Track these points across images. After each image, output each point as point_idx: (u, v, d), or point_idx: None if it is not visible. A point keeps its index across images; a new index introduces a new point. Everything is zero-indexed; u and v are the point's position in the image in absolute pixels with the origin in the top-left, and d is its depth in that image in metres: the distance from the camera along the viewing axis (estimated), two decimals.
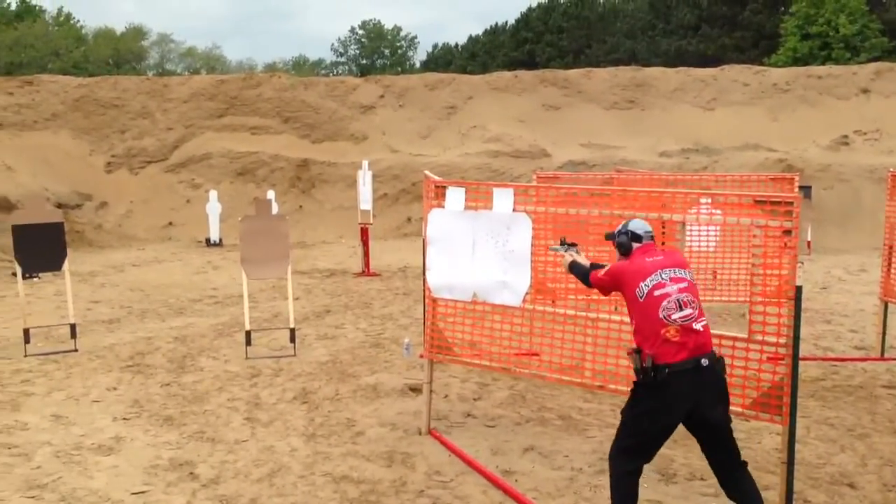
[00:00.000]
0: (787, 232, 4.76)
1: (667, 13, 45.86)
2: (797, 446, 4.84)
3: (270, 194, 18.90)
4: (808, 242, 17.25)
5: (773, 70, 25.86)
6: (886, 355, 8.38)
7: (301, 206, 21.75)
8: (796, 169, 18.87)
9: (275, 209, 13.09)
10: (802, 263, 4.58)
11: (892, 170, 8.43)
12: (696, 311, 4.24)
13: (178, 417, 6.54)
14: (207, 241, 19.41)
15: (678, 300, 4.21)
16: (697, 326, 4.19)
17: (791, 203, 4.68)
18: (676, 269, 4.35)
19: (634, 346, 4.30)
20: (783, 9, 40.96)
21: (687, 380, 4.08)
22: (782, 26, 39.19)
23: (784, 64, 33.56)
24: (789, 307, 4.58)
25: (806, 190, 17.50)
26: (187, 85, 24.97)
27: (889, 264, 8.32)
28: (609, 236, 4.78)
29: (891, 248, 8.26)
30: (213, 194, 19.72)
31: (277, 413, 6.64)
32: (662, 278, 4.28)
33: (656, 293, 4.23)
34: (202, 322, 10.36)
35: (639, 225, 4.66)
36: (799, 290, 4.56)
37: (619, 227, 4.71)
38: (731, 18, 43.15)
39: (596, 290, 4.91)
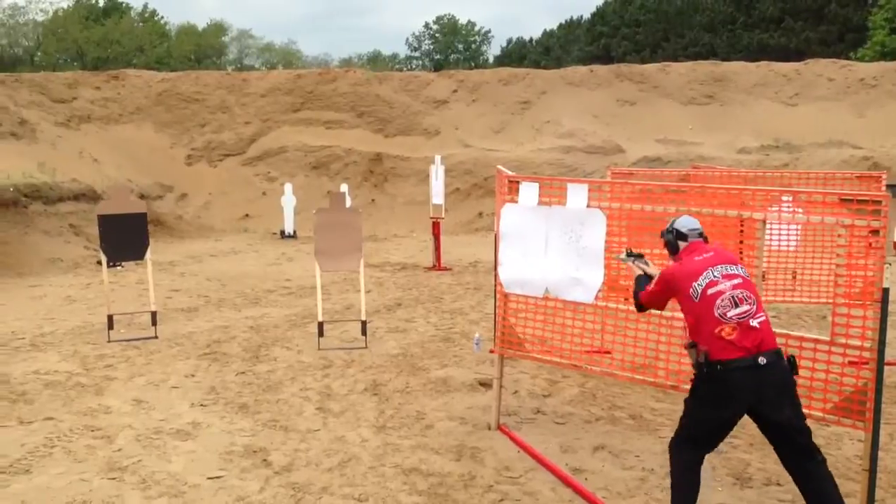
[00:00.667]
0: (875, 232, 4.59)
1: (749, 6, 44.69)
2: (880, 454, 4.67)
3: (344, 188, 19.14)
4: (895, 243, 16.58)
5: (860, 65, 24.94)
6: None
7: (373, 200, 21.96)
8: (883, 167, 18.14)
9: (348, 203, 13.25)
10: (890, 265, 4.41)
11: None
12: (754, 307, 4.13)
13: (253, 405, 6.69)
14: (282, 233, 19.77)
15: (733, 297, 4.14)
16: (755, 323, 4.08)
17: (879, 202, 4.52)
18: (728, 266, 4.27)
19: (690, 340, 4.24)
20: (871, 1, 39.43)
21: (744, 377, 4.00)
22: (870, 19, 37.77)
23: (871, 58, 32.32)
24: (875, 309, 4.42)
25: (893, 189, 16.82)
26: (265, 80, 25.47)
27: None
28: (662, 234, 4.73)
29: None
30: (288, 187, 20.07)
31: (349, 404, 6.73)
32: (714, 276, 4.21)
33: (709, 292, 4.16)
34: (276, 312, 10.57)
35: (685, 222, 4.62)
36: (886, 291, 4.38)
37: (668, 225, 4.65)
38: (816, 11, 41.79)
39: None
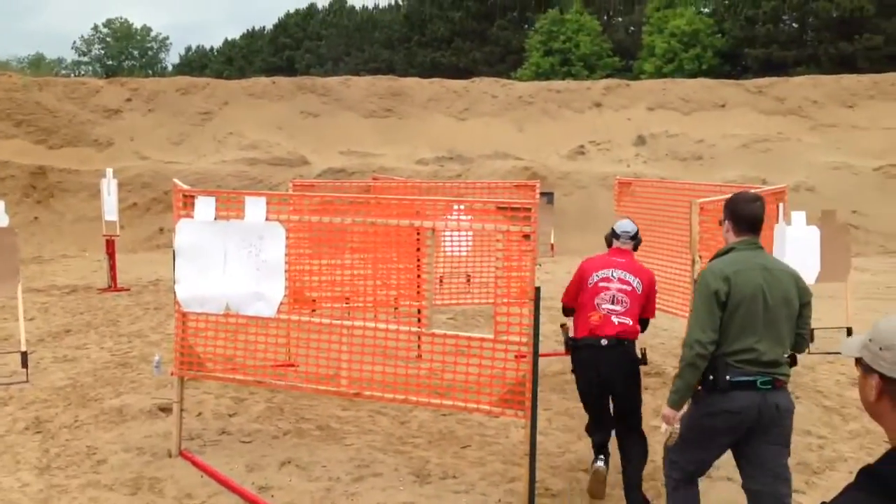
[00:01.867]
0: (526, 236, 5.07)
1: (422, 26, 47.35)
2: (539, 438, 5.15)
3: None
4: (552, 245, 18.48)
5: (519, 83, 27.52)
6: None
7: (37, 218, 19.91)
8: (540, 176, 20.17)
9: (4, 221, 11.87)
10: (541, 265, 4.90)
11: (618, 177, 9.27)
12: (624, 311, 5.04)
13: None
14: None
15: (613, 296, 5.07)
16: (616, 320, 5.01)
17: (529, 209, 4.98)
18: (629, 275, 5.15)
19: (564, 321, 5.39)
20: (527, 26, 43.78)
21: (588, 353, 5.03)
22: (527, 42, 41.91)
23: (528, 78, 35.85)
24: (530, 307, 4.86)
25: (549, 196, 18.68)
26: None
27: None
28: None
29: None
30: None
31: (6, 446, 6.01)
32: (612, 276, 5.14)
33: (600, 284, 5.13)
34: None
35: (622, 225, 5.48)
36: (538, 290, 4.85)
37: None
38: (480, 33, 45.41)
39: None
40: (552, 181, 20.59)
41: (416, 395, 5.43)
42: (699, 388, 3.94)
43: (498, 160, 22.34)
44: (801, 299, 4.01)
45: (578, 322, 5.18)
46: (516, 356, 5.07)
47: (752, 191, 4.58)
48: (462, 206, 6.47)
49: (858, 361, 1.95)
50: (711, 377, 3.88)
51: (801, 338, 4.10)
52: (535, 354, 4.84)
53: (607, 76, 33.82)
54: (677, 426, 3.98)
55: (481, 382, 5.30)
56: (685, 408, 4.01)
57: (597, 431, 5.22)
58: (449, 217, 6.43)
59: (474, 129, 23.83)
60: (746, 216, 4.09)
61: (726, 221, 4.15)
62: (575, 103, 24.66)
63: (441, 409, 5.96)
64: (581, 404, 5.30)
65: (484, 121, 24.14)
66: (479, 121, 24.17)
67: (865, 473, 1.79)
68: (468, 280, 9.92)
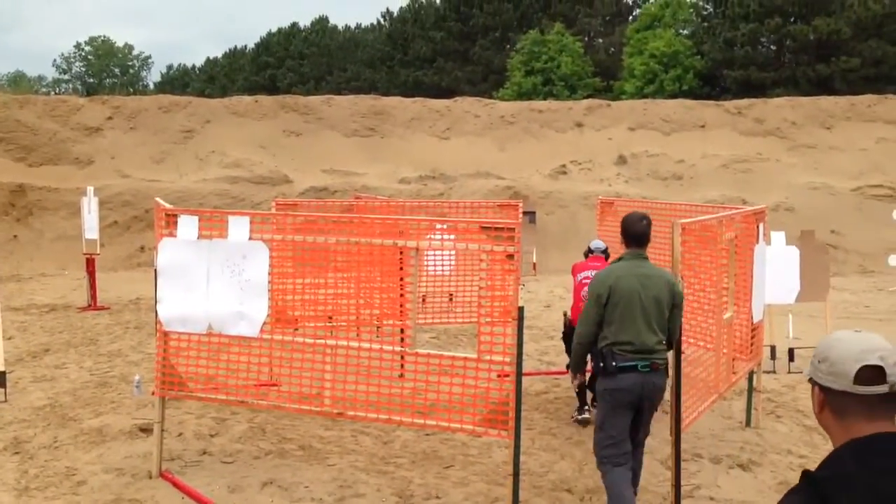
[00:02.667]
0: (510, 256, 5.09)
1: (404, 45, 47.59)
2: (523, 457, 5.15)
3: None
4: (534, 264, 18.57)
5: (501, 103, 27.66)
6: None
7: (16, 236, 19.73)
8: (522, 195, 20.26)
9: None
10: (524, 285, 4.94)
11: (600, 197, 9.33)
12: None
13: None
14: None
15: None
16: None
17: (512, 229, 5.01)
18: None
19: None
20: (509, 46, 44.09)
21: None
22: (509, 62, 42.20)
23: (510, 98, 36.07)
24: (513, 326, 4.88)
25: (531, 215, 18.80)
26: None
27: None
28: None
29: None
30: None
31: None
32: (591, 275, 5.80)
33: (585, 281, 6.38)
34: None
35: (595, 244, 7.50)
36: (521, 310, 4.87)
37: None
38: (462, 53, 45.70)
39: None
40: (534, 200, 20.67)
41: (399, 414, 5.42)
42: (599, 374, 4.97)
43: (480, 179, 22.42)
44: (674, 300, 4.87)
45: (575, 313, 6.61)
46: (499, 375, 5.09)
47: (641, 212, 5.25)
48: (445, 226, 6.49)
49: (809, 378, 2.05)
50: (602, 364, 4.88)
51: (672, 332, 4.95)
52: (519, 374, 4.86)
53: (588, 96, 34.09)
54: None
55: (465, 402, 5.31)
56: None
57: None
58: (432, 236, 6.46)
59: (457, 148, 23.91)
60: (633, 233, 4.99)
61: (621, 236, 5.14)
62: (557, 123, 24.82)
63: (424, 428, 5.94)
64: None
65: (467, 140, 24.23)
66: (461, 140, 24.26)
67: (805, 478, 1.87)
68: (451, 299, 9.93)
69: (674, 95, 32.46)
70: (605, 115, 25.28)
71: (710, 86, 37.60)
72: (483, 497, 5.40)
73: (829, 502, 1.78)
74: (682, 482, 4.93)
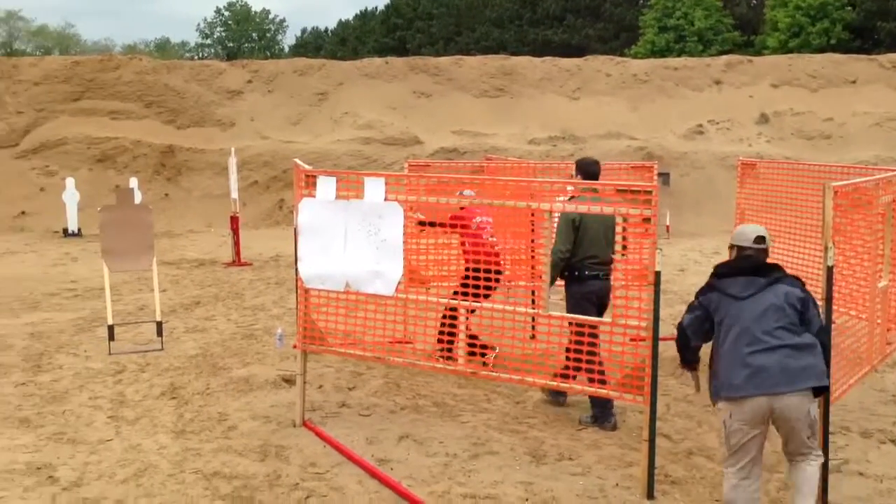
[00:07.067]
0: (647, 220, 4.99)
1: (533, 3, 46.82)
2: (658, 423, 5.09)
3: (133, 182, 18.10)
4: (667, 227, 18.11)
5: (633, 61, 26.88)
6: None
7: (167, 195, 20.95)
8: (655, 156, 19.74)
9: (138, 198, 12.56)
10: (661, 250, 4.83)
11: (741, 158, 8.96)
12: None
13: (35, 419, 6.21)
14: (65, 231, 18.39)
15: None
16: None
17: (650, 192, 4.91)
18: None
19: None
20: (642, 2, 42.62)
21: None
22: (641, 19, 40.83)
23: (643, 55, 34.96)
24: (649, 291, 4.81)
25: (664, 177, 18.33)
26: (39, 66, 23.49)
27: None
28: None
29: None
30: (70, 182, 18.67)
31: (144, 410, 6.41)
32: None
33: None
34: (60, 317, 9.84)
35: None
36: (658, 275, 4.78)
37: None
38: (593, 10, 44.56)
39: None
40: (668, 161, 20.11)
41: (531, 375, 5.47)
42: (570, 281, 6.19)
43: (611, 140, 21.96)
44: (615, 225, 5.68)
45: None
46: (632, 339, 5.04)
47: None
48: (574, 188, 6.42)
49: None
50: (577, 273, 6.14)
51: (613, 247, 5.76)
52: (656, 338, 4.79)
53: (726, 52, 32.58)
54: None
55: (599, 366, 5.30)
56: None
57: None
58: (564, 199, 6.41)
59: (587, 108, 23.48)
60: (591, 172, 6.39)
61: (577, 175, 6.46)
62: (693, 81, 23.92)
63: (557, 389, 5.97)
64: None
65: (597, 100, 23.74)
66: (592, 100, 23.79)
67: None
68: None
69: (821, 50, 30.55)
70: (745, 71, 24.14)
71: (861, 39, 35.13)
72: (617, 461, 5.39)
73: None
74: (830, 456, 4.74)
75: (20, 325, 9.41)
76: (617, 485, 5.00)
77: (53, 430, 5.97)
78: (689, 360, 4.62)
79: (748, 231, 4.59)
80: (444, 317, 6.53)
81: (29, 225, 19.48)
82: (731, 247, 4.63)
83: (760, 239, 4.49)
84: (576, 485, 5.00)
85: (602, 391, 5.28)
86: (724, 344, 4.28)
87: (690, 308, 4.51)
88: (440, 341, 6.38)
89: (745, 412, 4.16)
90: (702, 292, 4.49)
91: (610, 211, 5.27)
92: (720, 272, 4.44)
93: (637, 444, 5.33)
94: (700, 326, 4.44)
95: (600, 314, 6.03)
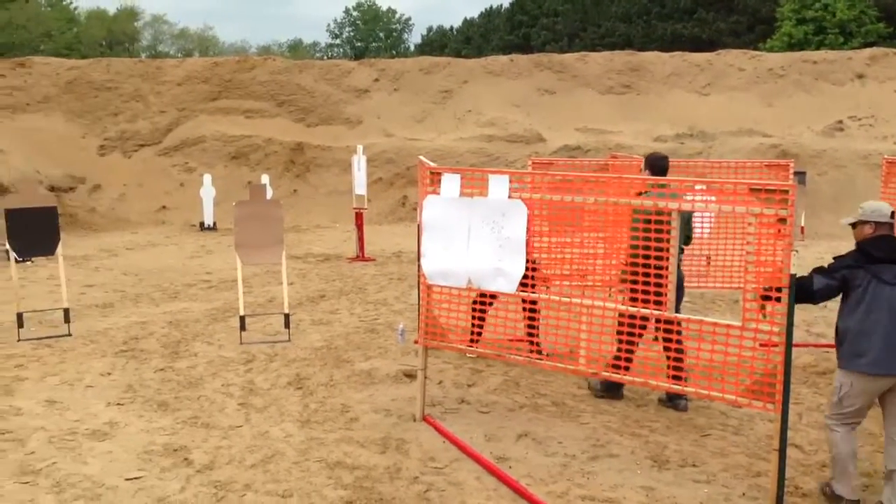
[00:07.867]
0: (782, 220, 4.76)
1: None
2: (789, 433, 4.87)
3: (265, 178, 18.82)
4: (802, 228, 17.26)
5: (769, 55, 25.81)
6: None
7: (295, 191, 21.69)
8: (791, 154, 18.87)
9: (269, 194, 13.04)
10: (797, 251, 4.61)
11: (886, 156, 8.43)
12: None
13: (173, 403, 6.55)
14: (201, 225, 19.35)
15: None
16: None
17: (786, 192, 4.68)
18: None
19: None
20: None
21: None
22: (778, 11, 39.06)
23: (779, 49, 33.47)
24: (783, 295, 4.59)
25: (800, 176, 17.47)
26: (181, 67, 24.82)
27: None
28: None
29: None
30: (206, 178, 19.64)
31: (272, 399, 6.66)
32: None
33: None
34: (196, 307, 10.36)
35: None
36: (793, 277, 4.56)
37: None
38: (726, 2, 42.99)
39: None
40: (804, 160, 19.18)
41: (654, 378, 5.33)
42: None
43: (743, 137, 21.15)
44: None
45: None
46: (762, 344, 4.82)
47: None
48: (704, 187, 6.21)
49: None
50: None
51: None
52: (789, 345, 4.57)
53: (870, 44, 30.74)
54: None
55: (726, 371, 5.10)
56: None
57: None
58: (692, 197, 6.20)
59: (718, 104, 22.72)
60: (660, 167, 6.50)
61: (646, 171, 6.53)
62: (834, 75, 22.74)
63: (682, 394, 5.79)
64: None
65: (729, 95, 22.94)
66: (723, 95, 23.01)
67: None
68: (708, 262, 9.54)
69: None
70: (891, 64, 22.76)
71: None
72: (744, 470, 5.18)
73: None
74: None
75: (160, 313, 9.95)
76: (743, 494, 4.82)
77: (189, 414, 6.28)
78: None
79: (885, 207, 4.81)
80: (524, 309, 6.78)
81: (169, 218, 20.59)
82: (864, 223, 4.81)
83: (893, 214, 4.78)
84: (699, 492, 4.84)
85: (728, 397, 5.08)
86: (867, 321, 4.58)
87: (825, 273, 4.78)
88: (530, 334, 6.77)
89: (871, 385, 4.60)
90: (845, 265, 4.72)
91: (742, 210, 5.06)
92: (875, 255, 4.64)
93: (765, 453, 5.11)
94: (830, 294, 4.77)
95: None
